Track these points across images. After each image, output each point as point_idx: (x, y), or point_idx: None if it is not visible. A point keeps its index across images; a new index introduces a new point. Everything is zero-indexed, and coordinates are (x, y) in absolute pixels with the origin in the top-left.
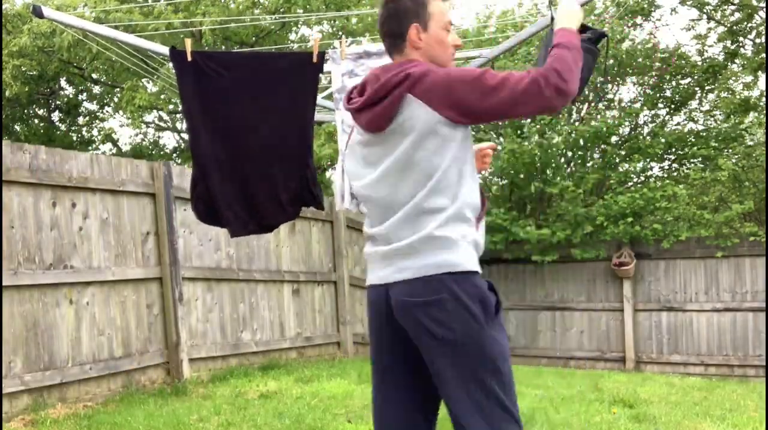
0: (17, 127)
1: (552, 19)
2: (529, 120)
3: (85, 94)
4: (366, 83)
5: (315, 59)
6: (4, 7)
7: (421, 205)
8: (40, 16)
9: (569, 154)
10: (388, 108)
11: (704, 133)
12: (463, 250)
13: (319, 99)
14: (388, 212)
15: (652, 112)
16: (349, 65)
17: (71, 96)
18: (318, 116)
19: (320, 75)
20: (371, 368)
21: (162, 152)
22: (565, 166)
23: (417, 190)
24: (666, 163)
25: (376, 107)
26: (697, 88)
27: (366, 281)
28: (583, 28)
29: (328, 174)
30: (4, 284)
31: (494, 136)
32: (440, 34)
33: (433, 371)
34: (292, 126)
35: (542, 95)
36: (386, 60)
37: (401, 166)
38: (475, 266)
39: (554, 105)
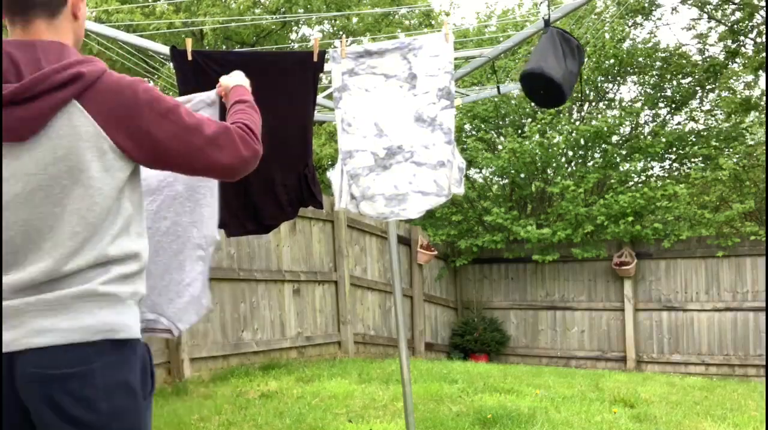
0: None
1: (547, 23)
2: (529, 119)
3: None
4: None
5: (315, 58)
6: None
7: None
8: None
9: (570, 153)
10: (44, 112)
11: (705, 133)
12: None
13: (320, 98)
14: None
15: (653, 111)
16: (350, 64)
17: None
18: (318, 116)
19: (321, 74)
20: None
21: None
22: (566, 165)
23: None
24: (667, 163)
25: (26, 106)
26: (697, 88)
27: None
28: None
29: (328, 173)
30: None
31: (495, 135)
32: (84, 18)
33: None
34: (293, 125)
35: (237, 148)
36: (387, 59)
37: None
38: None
39: (247, 163)
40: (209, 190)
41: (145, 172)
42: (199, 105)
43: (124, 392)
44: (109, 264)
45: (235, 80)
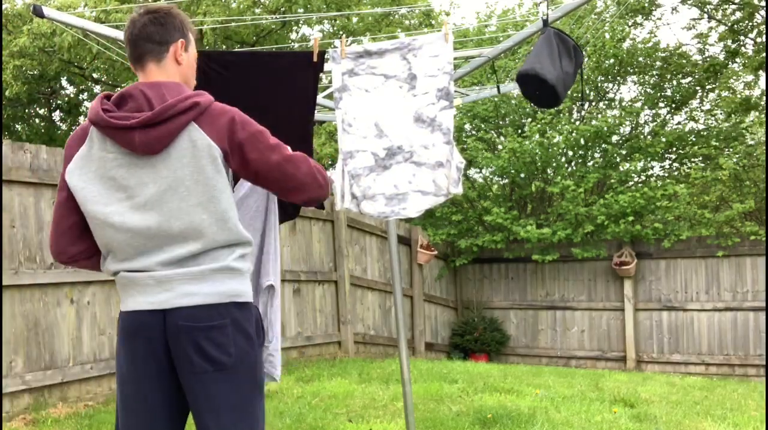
0: (18, 127)
1: (545, 22)
2: (529, 119)
3: (85, 93)
4: (136, 99)
5: (315, 59)
6: (4, 7)
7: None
8: (41, 15)
9: (570, 153)
10: (172, 131)
11: (705, 133)
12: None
13: (320, 98)
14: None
15: (653, 111)
16: (350, 64)
17: (72, 95)
18: (319, 116)
19: (321, 74)
20: (122, 410)
21: None
22: (566, 165)
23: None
24: (667, 163)
25: (158, 128)
26: (697, 88)
27: (123, 307)
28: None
29: (329, 173)
30: (5, 283)
31: (495, 135)
32: (194, 62)
33: (199, 400)
34: (293, 126)
35: (310, 167)
36: (387, 60)
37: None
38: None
39: (319, 186)
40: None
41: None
42: None
43: (246, 340)
44: (234, 246)
45: None
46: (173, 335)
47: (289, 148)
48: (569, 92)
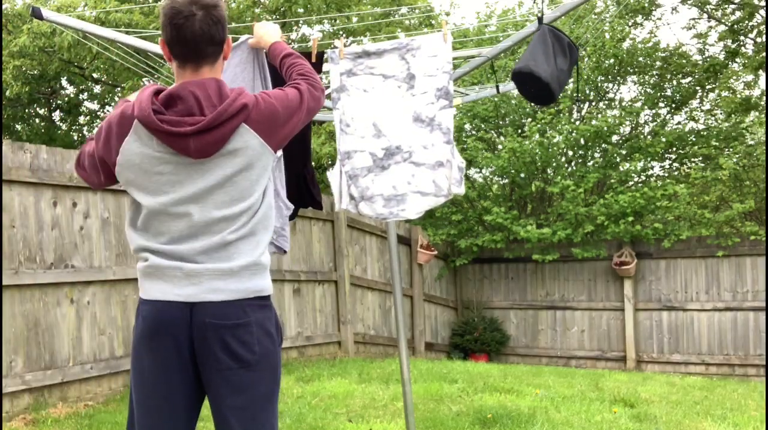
0: (18, 127)
1: (539, 20)
2: (529, 119)
3: (86, 93)
4: (186, 101)
5: (314, 59)
6: (4, 7)
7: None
8: (40, 17)
9: (570, 153)
10: (226, 135)
11: (705, 133)
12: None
13: None
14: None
15: (653, 111)
16: (348, 65)
17: (72, 95)
18: (318, 116)
19: (320, 75)
20: (140, 405)
21: None
22: (566, 165)
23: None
24: (667, 163)
25: (212, 133)
26: (697, 87)
27: (146, 295)
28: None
29: (329, 173)
30: (5, 283)
31: (495, 135)
32: None
33: (220, 394)
34: None
35: (317, 97)
36: (385, 60)
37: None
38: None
39: (322, 98)
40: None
41: None
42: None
43: (269, 339)
44: (263, 239)
45: (270, 34)
46: (199, 333)
47: (297, 98)
48: (569, 92)
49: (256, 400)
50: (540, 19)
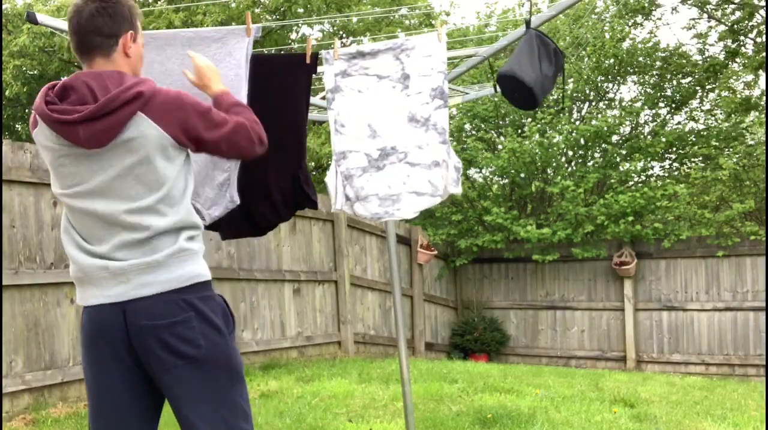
0: (18, 127)
1: (527, 23)
2: (529, 119)
3: None
4: (79, 91)
5: (308, 60)
6: (4, 6)
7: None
8: (34, 22)
9: (570, 153)
10: (118, 123)
11: (705, 133)
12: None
13: (317, 100)
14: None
15: (653, 111)
16: (343, 65)
17: None
18: (317, 116)
19: (314, 75)
20: (91, 410)
21: None
22: (566, 165)
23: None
24: (667, 163)
25: (102, 120)
26: (697, 87)
27: (81, 302)
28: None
29: (329, 173)
30: (5, 283)
31: (495, 135)
32: (141, 51)
33: (175, 394)
34: (286, 127)
35: (252, 141)
36: (380, 60)
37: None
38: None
39: (261, 146)
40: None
41: None
42: None
43: (215, 331)
44: (183, 229)
45: (217, 80)
46: (136, 336)
47: (230, 119)
48: (570, 93)
49: (211, 394)
50: (528, 23)
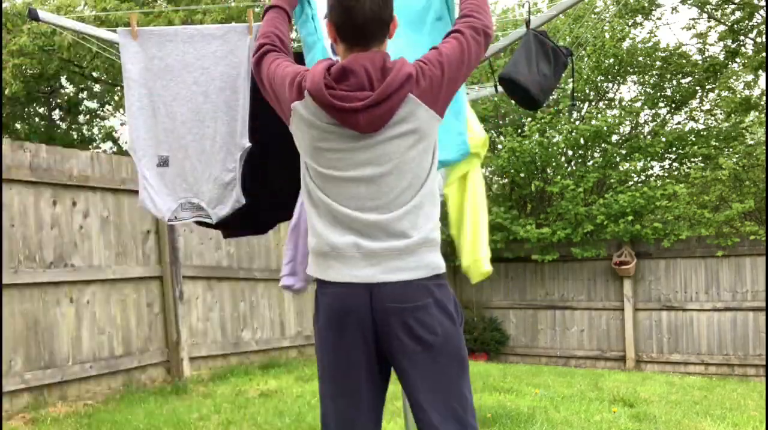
0: (18, 126)
1: (527, 24)
2: (529, 119)
3: (85, 92)
4: (358, 75)
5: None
6: (4, 6)
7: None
8: (36, 19)
9: (570, 153)
10: (393, 107)
11: (705, 132)
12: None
13: None
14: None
15: (653, 111)
16: None
17: (72, 94)
18: None
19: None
20: (330, 389)
21: None
22: (566, 165)
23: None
24: (666, 162)
25: (380, 106)
26: (697, 87)
27: (319, 275)
28: (543, 37)
29: None
30: (4, 282)
31: (495, 134)
32: None
33: (411, 380)
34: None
35: (481, 44)
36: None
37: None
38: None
39: (483, 50)
40: (241, 107)
41: (184, 80)
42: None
43: (449, 320)
44: (433, 215)
45: None
46: (381, 318)
47: (457, 48)
48: (570, 93)
49: (444, 383)
50: (527, 24)
